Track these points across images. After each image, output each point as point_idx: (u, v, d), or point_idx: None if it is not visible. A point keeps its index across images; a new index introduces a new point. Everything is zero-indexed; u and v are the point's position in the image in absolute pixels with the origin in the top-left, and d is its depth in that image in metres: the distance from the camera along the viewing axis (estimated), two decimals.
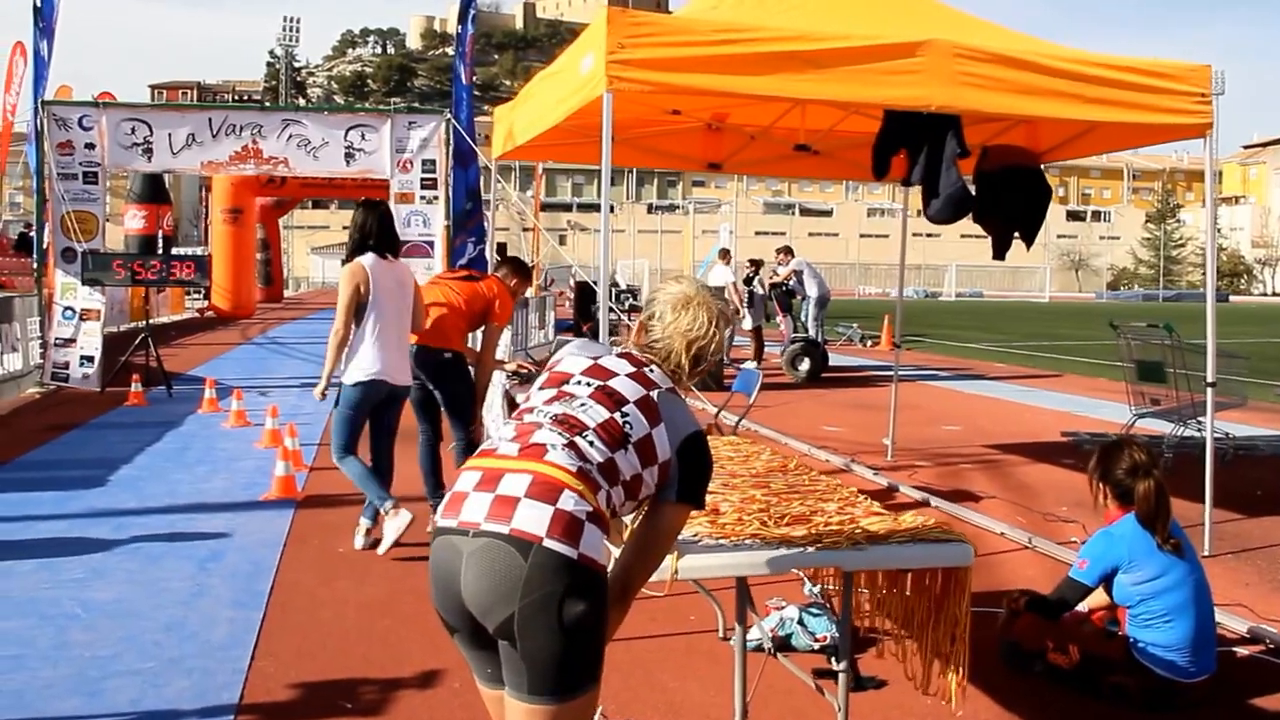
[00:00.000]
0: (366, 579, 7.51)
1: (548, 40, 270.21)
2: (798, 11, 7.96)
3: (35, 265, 17.76)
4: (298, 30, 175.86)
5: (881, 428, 13.17)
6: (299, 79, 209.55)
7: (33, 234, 37.07)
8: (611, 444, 3.41)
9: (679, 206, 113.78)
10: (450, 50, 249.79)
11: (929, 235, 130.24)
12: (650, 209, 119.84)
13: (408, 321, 8.20)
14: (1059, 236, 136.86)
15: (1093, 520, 9.32)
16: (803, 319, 23.25)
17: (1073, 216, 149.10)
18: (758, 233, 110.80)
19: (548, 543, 3.10)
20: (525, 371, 9.73)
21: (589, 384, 3.60)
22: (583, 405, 3.50)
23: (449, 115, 17.68)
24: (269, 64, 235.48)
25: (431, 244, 17.44)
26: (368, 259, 7.99)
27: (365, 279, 7.91)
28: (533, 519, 3.13)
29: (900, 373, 14.52)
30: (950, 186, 8.15)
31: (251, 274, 42.77)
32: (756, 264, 24.41)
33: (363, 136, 17.28)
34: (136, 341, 17.76)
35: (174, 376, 17.96)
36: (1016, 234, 10.18)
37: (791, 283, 23.04)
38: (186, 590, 7.14)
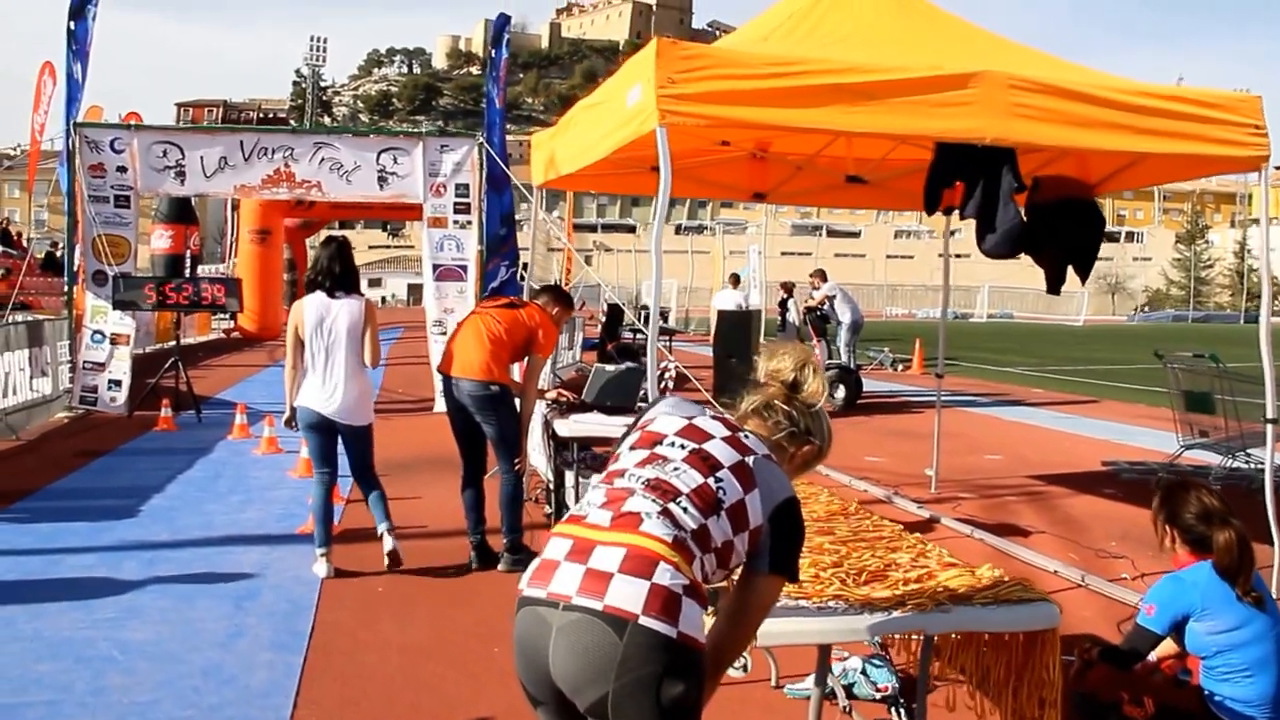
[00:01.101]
0: (409, 619, 7.34)
1: (571, 59, 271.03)
2: (849, 43, 7.82)
3: (65, 288, 17.66)
4: (324, 50, 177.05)
5: (922, 457, 12.97)
6: (325, 98, 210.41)
7: (60, 253, 37.25)
8: (704, 510, 3.26)
9: (707, 227, 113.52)
10: (475, 70, 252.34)
11: (958, 256, 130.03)
12: (679, 230, 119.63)
13: (350, 357, 8.20)
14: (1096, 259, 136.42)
15: (1142, 555, 9.17)
16: (836, 344, 23.01)
17: (1107, 238, 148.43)
18: (784, 253, 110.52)
19: (644, 620, 2.96)
20: (565, 400, 9.56)
21: (683, 446, 3.45)
22: (676, 469, 3.36)
23: (482, 139, 17.55)
24: (295, 83, 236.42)
25: (465, 268, 17.32)
26: (308, 299, 8.30)
27: (299, 319, 8.23)
28: (628, 595, 3.00)
29: (932, 397, 14.32)
30: (1008, 222, 7.97)
31: (279, 295, 42.67)
32: (788, 287, 24.19)
33: (395, 160, 17.17)
34: (166, 365, 17.62)
35: (203, 400, 17.85)
36: (1071, 266, 9.99)
37: (825, 308, 22.83)
38: (223, 631, 6.97)
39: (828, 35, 8.01)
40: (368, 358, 8.27)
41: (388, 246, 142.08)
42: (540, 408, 9.69)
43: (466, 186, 17.35)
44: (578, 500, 7.94)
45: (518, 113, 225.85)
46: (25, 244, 39.03)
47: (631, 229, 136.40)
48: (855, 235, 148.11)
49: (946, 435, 13.46)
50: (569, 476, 8.64)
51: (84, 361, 16.95)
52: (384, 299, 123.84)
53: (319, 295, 8.22)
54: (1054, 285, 10.20)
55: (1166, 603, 5.53)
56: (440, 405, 17.35)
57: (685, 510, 3.23)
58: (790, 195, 12.08)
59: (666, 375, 14.74)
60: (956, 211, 8.80)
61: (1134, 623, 5.71)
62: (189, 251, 34.85)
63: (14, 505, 10.50)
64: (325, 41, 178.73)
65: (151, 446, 14.33)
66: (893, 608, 4.40)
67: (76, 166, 16.72)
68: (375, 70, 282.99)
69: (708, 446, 3.44)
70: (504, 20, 19.22)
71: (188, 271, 33.56)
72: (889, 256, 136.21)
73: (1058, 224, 9.64)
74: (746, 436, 3.55)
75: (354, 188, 17.20)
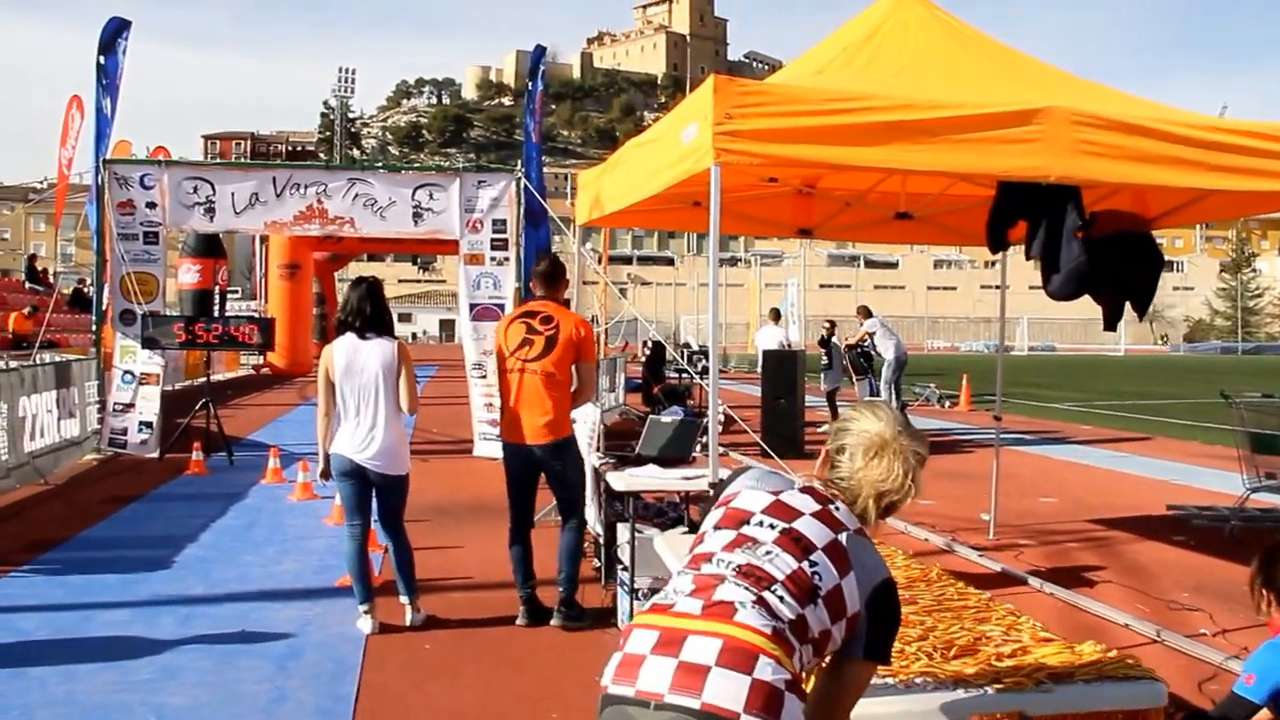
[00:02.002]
0: (459, 681, 6.96)
1: (605, 90, 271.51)
2: (905, 76, 7.51)
3: (94, 327, 17.42)
4: (353, 81, 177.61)
5: (976, 500, 12.63)
6: (354, 130, 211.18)
7: (87, 289, 37.17)
8: (801, 598, 2.99)
9: (741, 259, 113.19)
10: (506, 100, 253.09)
11: (997, 287, 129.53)
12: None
13: (384, 402, 7.80)
14: None
15: (1219, 608, 8.76)
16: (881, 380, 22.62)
17: None
18: (822, 285, 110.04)
19: (746, 719, 2.67)
20: (623, 453, 9.18)
21: (772, 525, 3.17)
22: (768, 553, 3.08)
23: (519, 174, 17.26)
24: (323, 114, 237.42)
25: (502, 306, 16.98)
26: (338, 341, 7.94)
27: (329, 362, 7.88)
28: (728, 692, 2.73)
29: (984, 436, 13.90)
30: (1072, 261, 7.62)
31: (308, 331, 42.57)
32: (832, 324, 23.82)
33: (430, 196, 16.88)
34: (197, 406, 17.36)
35: (234, 441, 17.55)
36: (1129, 303, 9.62)
37: (866, 344, 22.46)
38: (265, 695, 6.61)
39: (884, 69, 7.70)
40: (404, 403, 7.87)
41: (418, 281, 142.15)
42: (592, 460, 9.34)
43: (504, 222, 17.05)
44: (632, 557, 7.68)
45: (552, 145, 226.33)
46: (52, 280, 38.92)
47: (669, 261, 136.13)
48: (893, 266, 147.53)
49: (989, 477, 13.08)
50: (622, 531, 8.27)
51: (114, 403, 16.71)
52: (414, 335, 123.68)
53: (349, 337, 7.86)
54: (1111, 322, 9.85)
55: (1267, 671, 5.15)
56: (482, 450, 17.20)
57: (781, 599, 2.97)
58: (837, 231, 11.71)
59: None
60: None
61: (1230, 691, 5.31)
62: (218, 286, 34.68)
63: (44, 555, 10.19)
64: (354, 73, 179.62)
65: (183, 492, 14.05)
66: (986, 685, 4.10)
67: (105, 203, 16.49)
68: (404, 101, 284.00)
69: (798, 525, 3.18)
70: (540, 52, 18.98)
71: (216, 306, 33.40)
72: (929, 288, 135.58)
73: (1115, 260, 9.28)
74: (837, 509, 3.28)
75: (388, 224, 16.92)
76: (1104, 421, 26.32)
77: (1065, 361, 74.98)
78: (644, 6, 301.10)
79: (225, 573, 9.64)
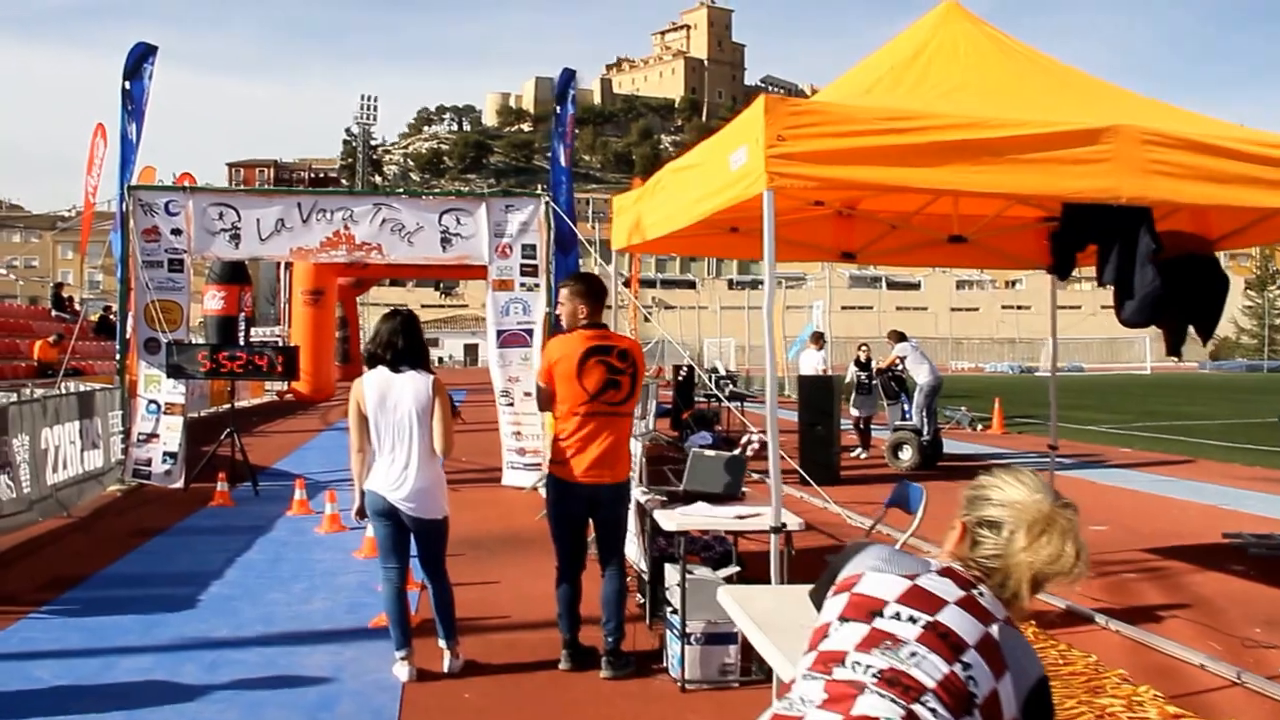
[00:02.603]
0: None
1: (624, 115, 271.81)
2: (959, 95, 7.19)
3: (118, 356, 17.12)
4: (375, 108, 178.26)
5: None
6: (375, 157, 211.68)
7: (113, 317, 36.95)
8: (956, 709, 2.52)
9: (761, 282, 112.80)
10: (526, 127, 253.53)
11: (1020, 308, 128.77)
12: (731, 284, 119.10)
13: (419, 440, 7.36)
14: None
15: None
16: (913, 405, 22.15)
17: None
18: (844, 307, 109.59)
19: None
20: (670, 489, 8.79)
21: (913, 619, 2.67)
22: (913, 654, 2.59)
23: (548, 198, 16.93)
24: (346, 141, 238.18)
25: (530, 332, 16.66)
26: (371, 374, 7.51)
27: (360, 396, 7.46)
28: None
29: (1025, 461, 13.47)
30: (1146, 286, 7.23)
31: (331, 356, 42.38)
32: (867, 348, 23.39)
33: (458, 221, 16.56)
34: (222, 436, 17.05)
35: (259, 471, 17.21)
36: (1192, 327, 9.26)
37: (898, 368, 22.03)
38: None
39: (935, 87, 7.36)
40: (438, 444, 7.38)
41: (441, 306, 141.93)
42: (636, 494, 8.95)
43: (533, 247, 16.72)
44: (683, 600, 7.30)
45: (574, 170, 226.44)
46: (78, 308, 38.74)
47: (691, 285, 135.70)
48: (915, 287, 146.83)
49: None
50: (671, 571, 7.86)
51: (137, 433, 16.40)
52: (440, 360, 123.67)
53: (381, 371, 7.44)
54: (1174, 347, 9.49)
55: None
56: (511, 479, 16.86)
57: (934, 713, 2.50)
58: (881, 255, 11.29)
59: (749, 446, 13.97)
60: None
61: None
62: (243, 313, 34.44)
63: (64, 595, 9.83)
64: (376, 100, 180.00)
65: (208, 524, 13.72)
66: None
67: (130, 230, 16.21)
68: (425, 128, 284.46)
69: (943, 618, 2.68)
70: (568, 76, 18.63)
71: (241, 333, 33.15)
72: (953, 309, 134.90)
73: (1179, 283, 8.90)
74: (981, 595, 2.78)
75: (416, 250, 16.59)
76: (1143, 444, 25.82)
77: (1093, 381, 74.23)
78: (662, 33, 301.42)
79: (252, 613, 9.27)
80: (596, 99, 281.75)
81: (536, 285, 16.77)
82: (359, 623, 8.92)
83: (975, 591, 2.78)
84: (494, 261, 16.70)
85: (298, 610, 9.38)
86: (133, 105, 16.63)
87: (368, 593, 9.77)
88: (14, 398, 13.95)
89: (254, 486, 16.11)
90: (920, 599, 2.74)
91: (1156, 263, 7.29)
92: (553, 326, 16.37)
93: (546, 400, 7.79)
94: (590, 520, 7.87)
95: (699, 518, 7.58)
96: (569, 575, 7.81)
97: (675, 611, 7.41)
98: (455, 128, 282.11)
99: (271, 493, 15.97)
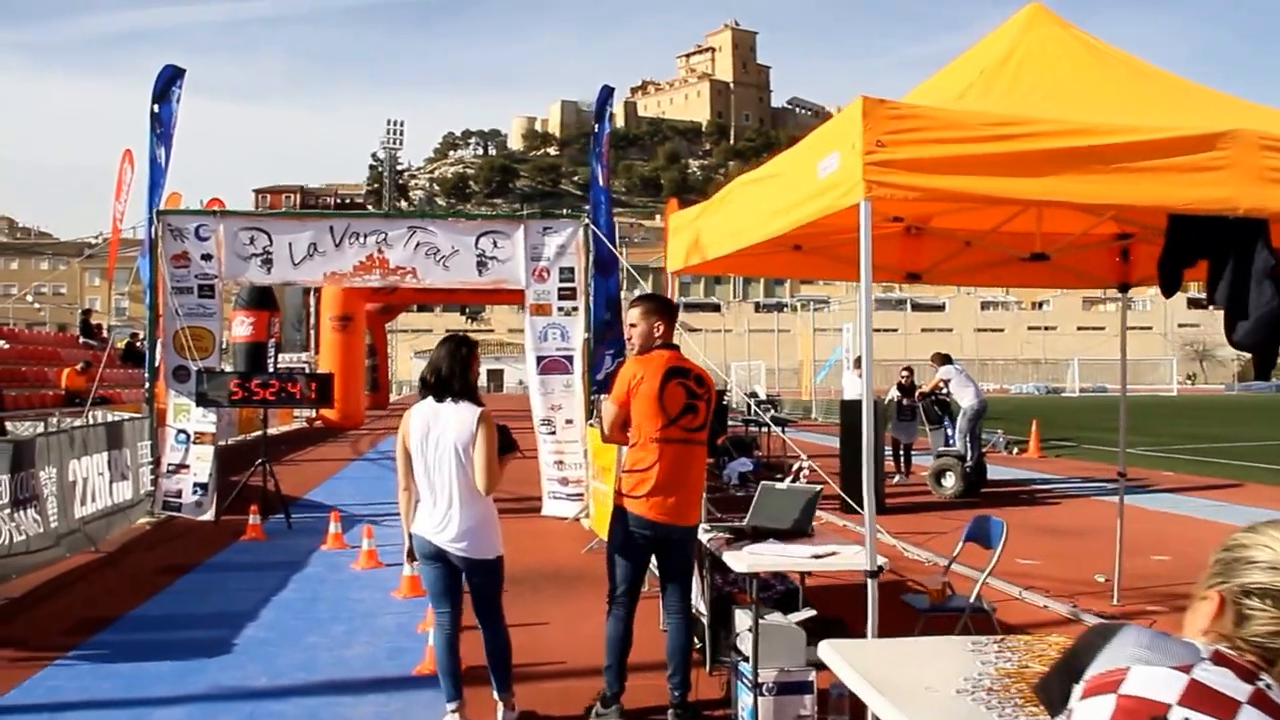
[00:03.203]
0: None
1: (650, 138, 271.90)
2: (1059, 101, 6.65)
3: (146, 385, 16.65)
4: (401, 133, 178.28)
5: (1084, 558, 11.91)
6: (401, 181, 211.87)
7: (140, 344, 36.55)
8: None
9: (786, 305, 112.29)
10: (552, 150, 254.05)
11: (1046, 329, 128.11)
12: (758, 308, 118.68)
13: (462, 476, 6.79)
14: (1180, 326, 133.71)
15: None
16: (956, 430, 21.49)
17: (1194, 304, 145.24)
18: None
19: None
20: (734, 525, 8.23)
21: None
22: None
23: (587, 219, 16.44)
24: (372, 166, 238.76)
25: (570, 358, 16.20)
26: (417, 406, 7.05)
27: (405, 430, 7.00)
28: None
29: (1069, 486, 12.87)
30: (1263, 306, 6.62)
31: (361, 383, 42.03)
32: (910, 371, 22.77)
33: (495, 244, 16.09)
34: (254, 466, 16.57)
35: (291, 502, 16.71)
36: None
37: (942, 392, 21.43)
38: None
39: (1031, 93, 6.81)
40: (479, 481, 6.79)
41: (466, 331, 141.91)
42: (699, 533, 8.36)
43: (572, 270, 16.24)
44: (755, 648, 6.73)
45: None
46: (106, 335, 38.36)
47: (715, 308, 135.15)
48: (940, 309, 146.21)
49: (1098, 532, 12.12)
50: (740, 617, 7.29)
51: (167, 463, 15.94)
52: None
53: (427, 402, 6.96)
54: (1264, 369, 8.89)
55: None
56: (551, 510, 16.33)
57: None
58: (950, 274, 10.66)
59: (801, 474, 13.42)
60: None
61: None
62: (272, 339, 34.04)
63: (93, 638, 9.35)
64: (402, 125, 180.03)
65: (241, 560, 13.24)
66: None
67: (159, 255, 15.78)
68: (451, 153, 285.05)
69: None
70: (606, 93, 18.16)
71: (270, 360, 32.73)
72: (978, 330, 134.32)
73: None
74: (1270, 688, 2.16)
75: (452, 274, 16.14)
76: (1184, 467, 25.19)
77: (1116, 402, 73.23)
78: (687, 55, 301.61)
79: (290, 658, 8.76)
80: (621, 122, 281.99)
81: (575, 309, 16.31)
82: (403, 669, 8.41)
83: (1262, 684, 2.16)
84: (531, 285, 16.25)
85: (339, 655, 8.87)
86: (161, 129, 16.21)
87: (409, 636, 9.29)
88: (41, 428, 13.51)
89: (286, 519, 15.62)
90: (1208, 701, 2.12)
91: (1275, 279, 6.70)
92: (592, 351, 15.91)
93: (618, 425, 7.20)
94: (654, 561, 7.34)
95: (773, 558, 6.99)
96: (626, 619, 7.25)
97: (745, 659, 6.84)
98: (481, 152, 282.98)
99: (304, 525, 15.51)
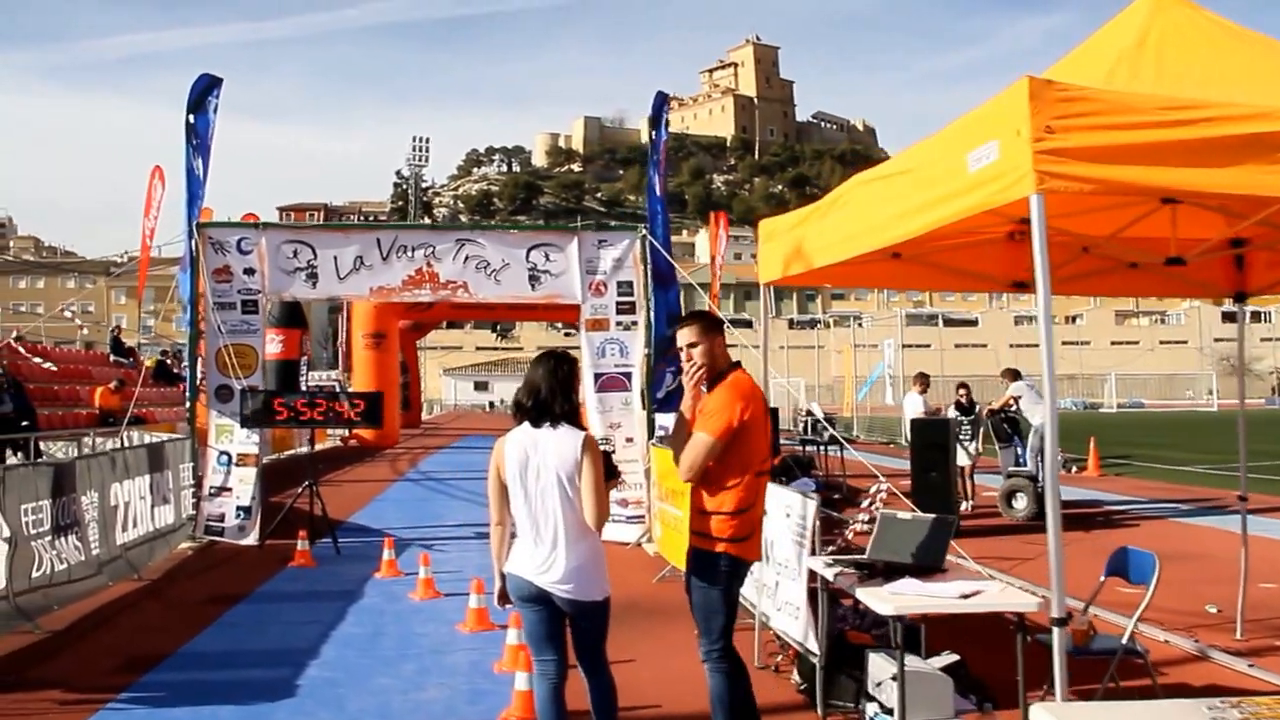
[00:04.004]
0: None
1: (674, 154, 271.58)
2: (1210, 83, 5.98)
3: (187, 404, 16.04)
4: (427, 150, 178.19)
5: (1187, 585, 11.43)
6: (425, 199, 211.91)
7: (171, 362, 36.08)
8: None
9: (819, 321, 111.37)
10: (576, 167, 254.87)
11: (1082, 344, 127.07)
12: (791, 324, 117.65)
13: (568, 509, 6.08)
14: (1216, 340, 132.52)
15: None
16: (1026, 450, 20.66)
17: (1229, 318, 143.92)
18: (904, 345, 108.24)
19: None
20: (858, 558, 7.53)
21: None
22: None
23: (644, 231, 15.80)
24: (396, 184, 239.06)
25: (629, 375, 15.60)
26: (512, 434, 6.28)
27: (499, 459, 6.26)
28: None
29: (1141, 506, 12.16)
30: None
31: (396, 401, 41.45)
32: (967, 387, 21.94)
33: (547, 257, 15.50)
34: (300, 488, 15.94)
35: (335, 525, 16.04)
36: None
37: (1011, 409, 20.66)
38: None
39: (1182, 76, 6.21)
40: (589, 514, 6.09)
41: (495, 348, 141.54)
42: (816, 565, 7.59)
43: (629, 284, 15.62)
44: (902, 700, 6.03)
45: (620, 210, 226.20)
46: (138, 353, 37.90)
47: (748, 324, 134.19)
48: (973, 324, 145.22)
49: (1188, 558, 11.51)
50: (879, 662, 6.57)
51: (209, 486, 15.33)
52: (492, 404, 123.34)
53: (524, 429, 6.23)
54: None
55: None
56: (610, 534, 15.62)
57: None
58: (1062, 283, 9.92)
59: (879, 496, 12.68)
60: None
61: None
62: (304, 357, 33.58)
63: (146, 677, 8.69)
64: (428, 141, 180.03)
65: (292, 589, 12.58)
66: None
67: (200, 270, 15.21)
68: (475, 170, 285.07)
69: None
70: (662, 100, 17.56)
71: (303, 378, 32.26)
72: (1012, 345, 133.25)
73: None
74: None
75: (503, 288, 15.55)
76: (1255, 486, 24.34)
77: (1160, 418, 72.31)
78: (710, 71, 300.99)
79: (361, 702, 8.06)
80: (644, 138, 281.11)
81: (634, 324, 15.70)
82: (486, 716, 7.69)
83: None
84: (587, 300, 15.66)
85: (414, 700, 8.14)
86: (198, 140, 15.65)
87: (485, 676, 8.63)
88: (80, 450, 12.92)
89: (334, 544, 14.97)
90: None
91: None
92: (652, 367, 15.28)
93: (711, 457, 6.35)
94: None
95: (916, 597, 6.25)
96: (736, 670, 6.47)
97: (887, 711, 6.14)
98: (505, 169, 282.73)
99: (353, 550, 14.92)
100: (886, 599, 6.11)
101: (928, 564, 6.84)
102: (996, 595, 6.20)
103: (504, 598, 6.30)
